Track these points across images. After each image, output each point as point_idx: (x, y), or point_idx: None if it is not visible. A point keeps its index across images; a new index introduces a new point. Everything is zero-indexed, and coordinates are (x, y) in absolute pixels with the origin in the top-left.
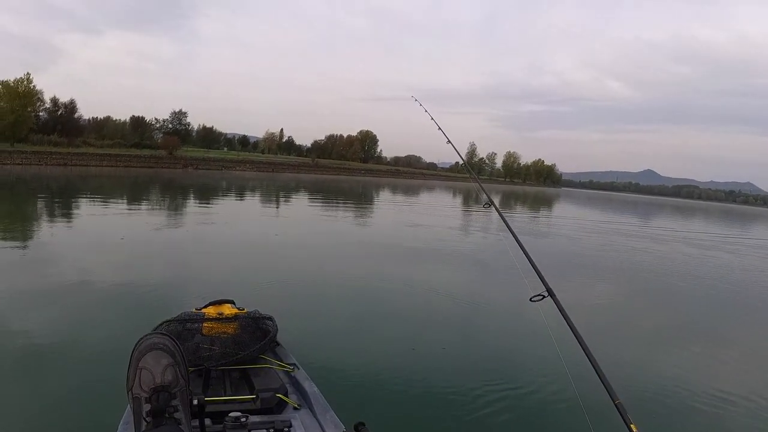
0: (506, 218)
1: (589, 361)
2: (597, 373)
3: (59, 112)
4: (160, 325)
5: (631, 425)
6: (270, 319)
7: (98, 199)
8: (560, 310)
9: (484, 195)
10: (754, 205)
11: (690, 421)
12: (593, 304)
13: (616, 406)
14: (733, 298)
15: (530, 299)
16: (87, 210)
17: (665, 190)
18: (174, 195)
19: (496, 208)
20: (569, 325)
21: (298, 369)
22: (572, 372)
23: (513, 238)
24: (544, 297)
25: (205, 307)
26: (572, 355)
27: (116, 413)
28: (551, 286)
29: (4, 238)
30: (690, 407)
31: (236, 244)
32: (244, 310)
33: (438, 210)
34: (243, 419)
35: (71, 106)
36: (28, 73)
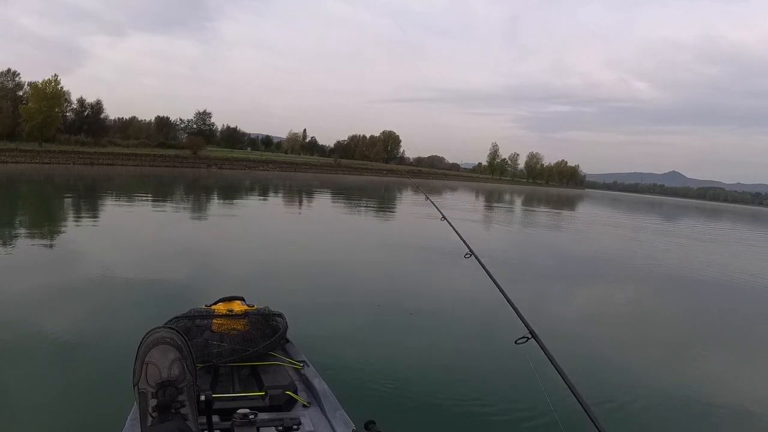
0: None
1: (577, 399)
2: (584, 408)
3: (86, 113)
4: (170, 321)
5: None
6: (280, 315)
7: (122, 197)
8: (546, 354)
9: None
10: None
11: None
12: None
13: None
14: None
15: (515, 342)
16: (109, 206)
17: (690, 192)
18: (196, 194)
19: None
20: (556, 368)
21: (308, 366)
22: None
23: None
24: (528, 339)
25: (215, 303)
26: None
27: (125, 408)
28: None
29: (31, 235)
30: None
31: (250, 241)
32: (254, 306)
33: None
34: (251, 416)
35: (97, 107)
36: (55, 75)
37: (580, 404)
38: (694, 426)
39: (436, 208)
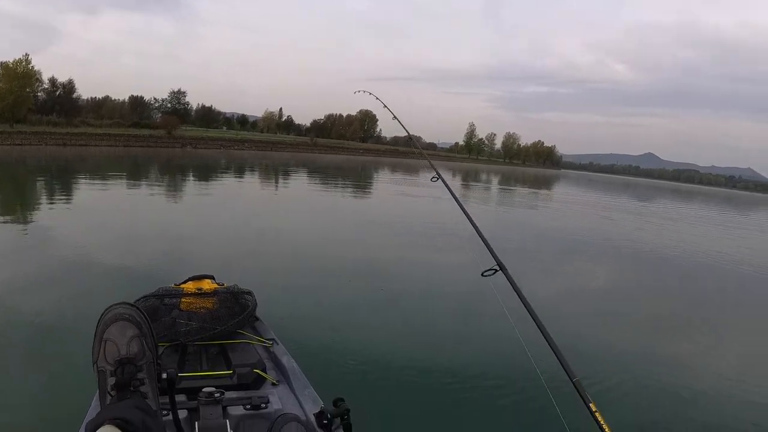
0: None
1: (546, 339)
2: (554, 351)
3: (58, 93)
4: (138, 300)
5: (591, 404)
6: (249, 293)
7: (95, 178)
8: (513, 286)
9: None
10: (753, 191)
11: (651, 398)
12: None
13: (574, 384)
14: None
15: (482, 274)
16: (81, 187)
17: (665, 173)
18: (170, 174)
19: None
20: (524, 303)
21: (278, 344)
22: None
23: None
24: (496, 271)
25: (184, 282)
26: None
27: (91, 390)
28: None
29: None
30: (651, 384)
31: (223, 220)
32: (223, 284)
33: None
34: (217, 395)
35: (70, 86)
36: (26, 54)
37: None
38: (676, 386)
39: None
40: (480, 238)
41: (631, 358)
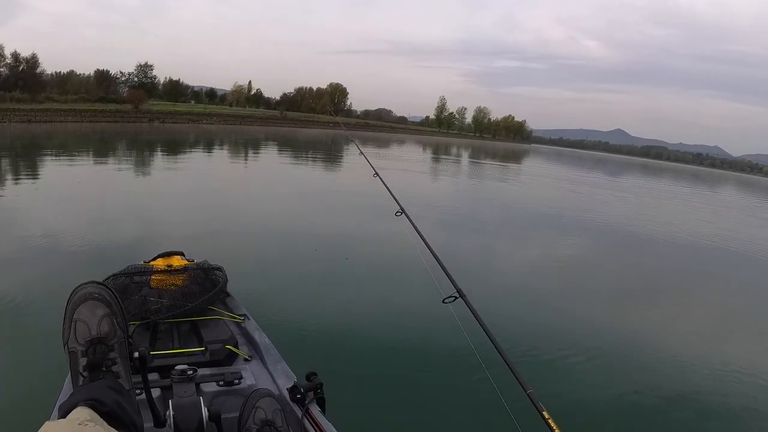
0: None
1: (499, 353)
2: (507, 364)
3: (21, 68)
4: (107, 278)
5: (543, 411)
6: (219, 269)
7: (61, 155)
8: (472, 312)
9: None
10: (720, 168)
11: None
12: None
13: (528, 396)
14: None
15: (443, 301)
16: (46, 165)
17: (634, 150)
18: (137, 149)
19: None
20: (480, 324)
21: (249, 320)
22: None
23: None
24: (456, 298)
25: (154, 259)
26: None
27: (63, 372)
28: None
29: None
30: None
31: (191, 196)
32: (193, 261)
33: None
34: (190, 372)
35: (33, 61)
36: None
37: (507, 364)
38: (623, 381)
39: (370, 164)
40: (441, 267)
41: (579, 353)
